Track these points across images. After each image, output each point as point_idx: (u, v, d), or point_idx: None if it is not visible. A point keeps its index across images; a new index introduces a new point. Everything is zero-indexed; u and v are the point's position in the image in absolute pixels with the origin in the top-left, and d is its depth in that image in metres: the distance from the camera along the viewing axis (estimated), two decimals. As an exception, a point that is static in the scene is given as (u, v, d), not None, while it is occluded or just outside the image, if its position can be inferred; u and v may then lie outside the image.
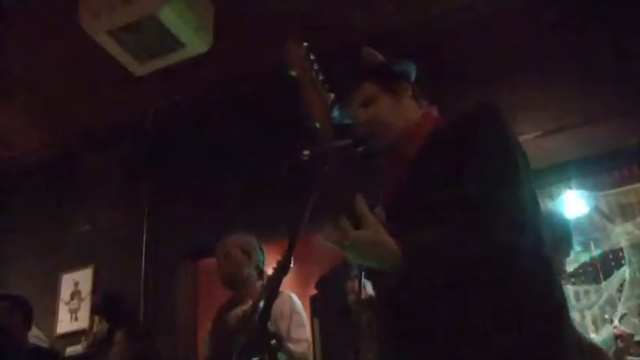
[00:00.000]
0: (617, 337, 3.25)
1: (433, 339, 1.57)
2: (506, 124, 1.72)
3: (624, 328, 3.36)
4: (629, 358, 3.34)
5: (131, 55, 4.40)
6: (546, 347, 1.53)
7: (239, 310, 3.36)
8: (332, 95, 1.75)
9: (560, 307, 1.64)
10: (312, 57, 1.78)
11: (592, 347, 2.95)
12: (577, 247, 3.06)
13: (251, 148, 4.91)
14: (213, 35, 4.27)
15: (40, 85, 5.08)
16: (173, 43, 4.24)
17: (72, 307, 5.29)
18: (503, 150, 1.68)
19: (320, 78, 1.76)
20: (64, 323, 5.25)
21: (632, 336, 3.26)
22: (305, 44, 1.80)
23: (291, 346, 3.17)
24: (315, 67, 1.77)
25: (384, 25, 4.40)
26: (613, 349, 3.26)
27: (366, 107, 1.92)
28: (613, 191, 4.61)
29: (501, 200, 1.60)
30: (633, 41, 3.89)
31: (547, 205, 3.01)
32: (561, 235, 2.95)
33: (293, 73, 1.80)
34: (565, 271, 3.05)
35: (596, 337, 3.67)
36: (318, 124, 1.71)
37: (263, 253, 3.64)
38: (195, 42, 4.24)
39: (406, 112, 1.93)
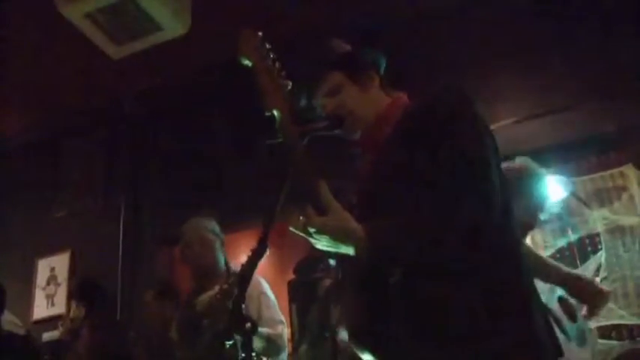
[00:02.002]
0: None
1: (402, 323, 1.58)
2: (473, 105, 1.73)
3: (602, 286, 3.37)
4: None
5: (109, 38, 4.36)
6: (515, 332, 1.55)
7: (206, 296, 3.34)
8: (289, 83, 1.75)
9: (528, 285, 1.67)
10: (267, 46, 1.78)
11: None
12: (550, 201, 3.08)
13: (230, 134, 4.89)
14: (191, 18, 4.24)
15: (17, 69, 5.01)
16: (151, 26, 4.21)
17: (48, 292, 5.25)
18: (472, 132, 1.69)
19: (276, 66, 1.75)
20: (40, 309, 5.22)
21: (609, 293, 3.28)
22: (259, 34, 1.80)
23: (266, 329, 3.16)
24: (271, 56, 1.77)
25: (356, 13, 4.39)
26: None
27: (332, 97, 1.92)
28: (590, 177, 4.63)
29: (470, 180, 1.61)
30: (610, 29, 3.91)
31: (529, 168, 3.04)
32: (535, 193, 2.98)
33: (247, 63, 1.79)
34: (538, 224, 3.07)
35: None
36: (275, 113, 1.71)
37: None
38: (173, 25, 4.22)
39: (373, 101, 1.93)
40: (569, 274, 2.94)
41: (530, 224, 2.97)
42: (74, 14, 4.14)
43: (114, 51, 4.53)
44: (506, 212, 1.67)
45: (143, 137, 5.35)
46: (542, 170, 3.07)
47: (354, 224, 1.60)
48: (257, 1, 4.38)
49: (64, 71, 5.03)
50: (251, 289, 3.33)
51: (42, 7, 4.13)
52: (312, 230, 1.60)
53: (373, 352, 1.65)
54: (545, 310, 1.72)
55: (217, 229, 3.56)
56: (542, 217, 3.11)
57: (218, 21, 4.50)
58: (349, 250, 1.61)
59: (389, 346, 1.61)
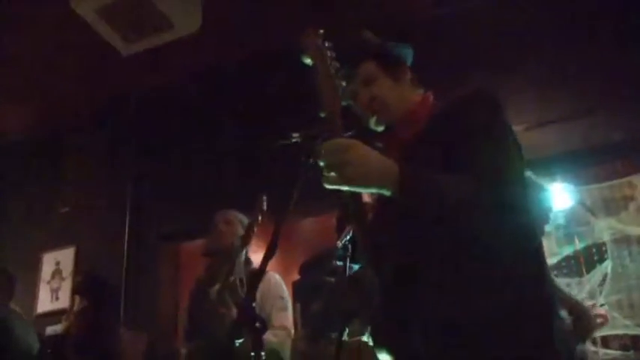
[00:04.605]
0: (598, 315, 3.28)
1: (421, 326, 1.57)
2: (501, 108, 1.72)
3: (600, 309, 3.40)
4: None
5: (119, 35, 4.37)
6: (536, 340, 1.54)
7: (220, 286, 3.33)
8: (344, 84, 1.74)
9: (550, 291, 1.66)
10: (327, 45, 1.77)
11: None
12: (552, 209, 3.10)
13: (236, 132, 4.89)
14: (202, 16, 4.24)
15: (23, 64, 5.01)
16: (162, 23, 4.22)
17: (53, 286, 5.25)
18: (498, 131, 1.68)
19: (334, 66, 1.75)
20: (45, 302, 5.22)
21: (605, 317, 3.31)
22: (321, 31, 1.79)
23: (268, 334, 3.12)
24: (330, 55, 1.76)
25: (376, 13, 4.39)
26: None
27: (367, 86, 1.91)
28: (597, 186, 4.63)
29: (493, 168, 1.58)
30: (622, 38, 3.90)
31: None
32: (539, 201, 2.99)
33: (308, 61, 1.78)
34: (543, 234, 3.09)
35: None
36: (326, 114, 1.69)
37: None
38: (183, 23, 4.22)
39: (405, 95, 1.92)
40: (569, 298, 2.94)
41: None
42: (84, 9, 4.15)
43: (123, 47, 4.54)
44: (527, 216, 1.66)
45: (149, 134, 5.35)
46: (544, 182, 3.07)
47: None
48: (269, 1, 4.38)
49: (72, 66, 5.03)
50: (270, 288, 3.34)
51: (52, 1, 4.13)
52: (339, 149, 1.49)
53: (391, 353, 1.64)
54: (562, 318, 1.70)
55: (245, 220, 3.58)
56: (547, 228, 3.11)
57: (228, 20, 4.51)
58: (381, 180, 1.51)
59: (408, 347, 1.60)
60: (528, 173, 3.07)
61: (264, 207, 3.13)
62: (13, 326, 4.08)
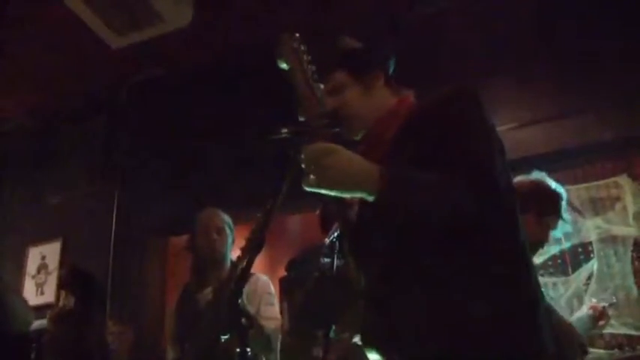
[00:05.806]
0: (597, 316, 3.23)
1: (408, 325, 1.57)
2: (482, 105, 1.71)
3: (596, 303, 3.35)
4: None
5: (109, 27, 4.35)
6: (521, 338, 1.53)
7: (209, 291, 3.34)
8: (321, 86, 1.74)
9: (536, 290, 1.64)
10: (303, 48, 1.78)
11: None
12: (566, 217, 3.04)
13: (227, 125, 4.87)
14: (193, 9, 4.23)
15: (14, 54, 4.98)
16: (152, 16, 4.20)
17: (38, 280, 5.23)
18: (478, 132, 1.67)
19: (311, 69, 1.75)
20: (30, 297, 5.18)
21: (604, 308, 3.26)
22: (297, 35, 1.79)
23: (262, 322, 3.17)
24: (307, 59, 1.77)
25: (355, 18, 4.39)
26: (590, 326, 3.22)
27: (334, 95, 1.89)
28: (585, 185, 4.65)
29: (474, 178, 1.57)
30: (609, 38, 3.91)
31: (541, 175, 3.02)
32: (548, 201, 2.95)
33: (284, 66, 1.79)
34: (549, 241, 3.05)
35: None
36: (305, 117, 1.70)
37: None
38: (174, 16, 4.20)
39: (376, 101, 1.90)
40: (559, 323, 2.89)
41: (541, 240, 2.93)
42: (75, 1, 4.12)
43: (114, 40, 4.52)
44: (512, 213, 1.66)
45: (139, 126, 5.32)
46: (560, 189, 3.03)
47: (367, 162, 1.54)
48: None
49: (63, 57, 4.99)
50: (255, 286, 3.35)
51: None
52: (320, 153, 1.51)
53: (381, 353, 1.64)
54: (550, 318, 1.69)
55: (231, 224, 3.58)
56: (555, 234, 3.08)
57: (219, 14, 4.49)
58: (361, 183, 1.52)
59: (397, 347, 1.60)
60: (542, 176, 3.03)
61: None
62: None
